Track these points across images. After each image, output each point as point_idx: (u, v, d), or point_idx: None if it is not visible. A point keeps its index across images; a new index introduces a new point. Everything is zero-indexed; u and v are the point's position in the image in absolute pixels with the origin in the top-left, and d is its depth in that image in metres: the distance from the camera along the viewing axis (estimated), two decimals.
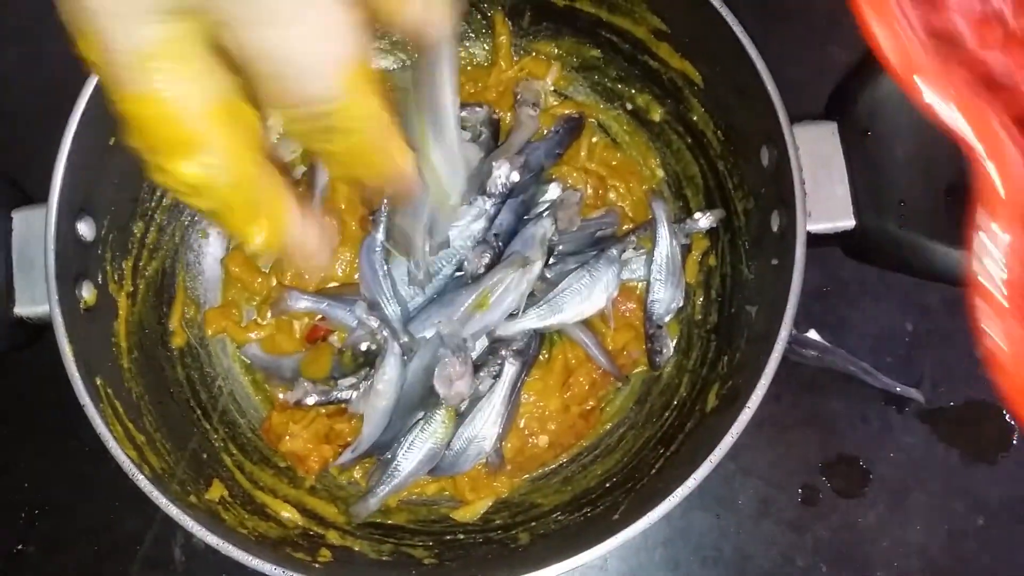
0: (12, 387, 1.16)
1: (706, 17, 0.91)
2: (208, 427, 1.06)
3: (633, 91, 1.13)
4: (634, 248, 1.08)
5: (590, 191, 1.11)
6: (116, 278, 1.00)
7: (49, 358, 0.88)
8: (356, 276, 1.08)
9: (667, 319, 1.07)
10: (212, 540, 0.85)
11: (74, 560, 1.13)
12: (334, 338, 1.09)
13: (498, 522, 1.04)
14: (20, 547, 1.13)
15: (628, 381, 1.11)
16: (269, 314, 1.10)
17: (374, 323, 1.02)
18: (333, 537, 1.00)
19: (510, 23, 1.14)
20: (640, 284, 1.10)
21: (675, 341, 1.09)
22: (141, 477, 0.86)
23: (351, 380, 1.05)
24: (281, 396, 1.09)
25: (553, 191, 1.08)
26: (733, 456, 0.90)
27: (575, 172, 1.12)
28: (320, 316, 1.08)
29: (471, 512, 1.05)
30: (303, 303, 1.07)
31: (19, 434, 1.16)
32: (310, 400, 1.04)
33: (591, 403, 1.08)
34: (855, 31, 1.18)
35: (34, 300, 0.92)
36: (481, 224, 1.05)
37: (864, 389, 1.12)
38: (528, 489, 1.08)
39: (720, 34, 0.90)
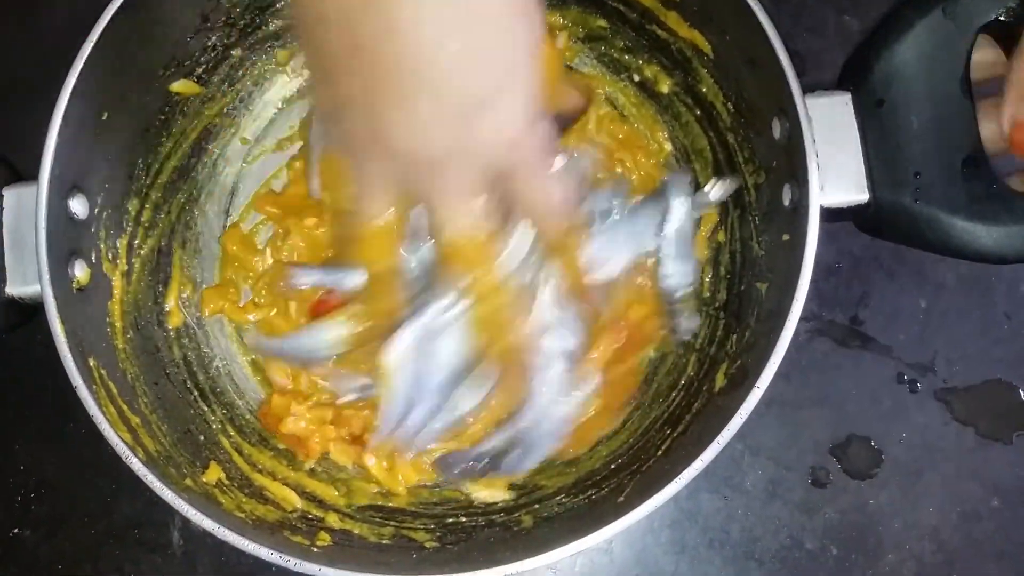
0: (7, 368, 1.15)
1: None
2: (205, 408, 1.05)
3: (641, 62, 1.11)
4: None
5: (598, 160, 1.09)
6: (110, 257, 0.98)
7: (45, 339, 0.87)
8: None
9: (680, 293, 1.05)
10: (208, 524, 0.83)
11: (71, 544, 1.12)
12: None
13: (500, 505, 1.03)
14: (16, 531, 1.12)
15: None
16: (263, 293, 1.08)
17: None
18: (333, 520, 0.98)
19: None
20: (650, 260, 1.07)
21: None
22: (135, 460, 0.85)
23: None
24: (279, 380, 1.07)
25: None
26: (742, 436, 0.89)
27: (582, 144, 1.10)
28: (328, 290, 1.06)
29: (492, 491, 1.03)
30: (309, 278, 1.04)
31: (15, 416, 1.15)
32: (351, 397, 1.01)
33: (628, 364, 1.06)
34: None
35: (25, 280, 0.90)
36: None
37: (877, 368, 1.10)
38: (532, 471, 1.05)
39: (730, 1, 0.88)
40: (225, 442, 1.02)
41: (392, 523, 1.00)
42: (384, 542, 0.96)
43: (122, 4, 0.90)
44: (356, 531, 0.97)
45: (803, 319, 1.07)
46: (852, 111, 0.87)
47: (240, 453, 1.02)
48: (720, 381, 0.95)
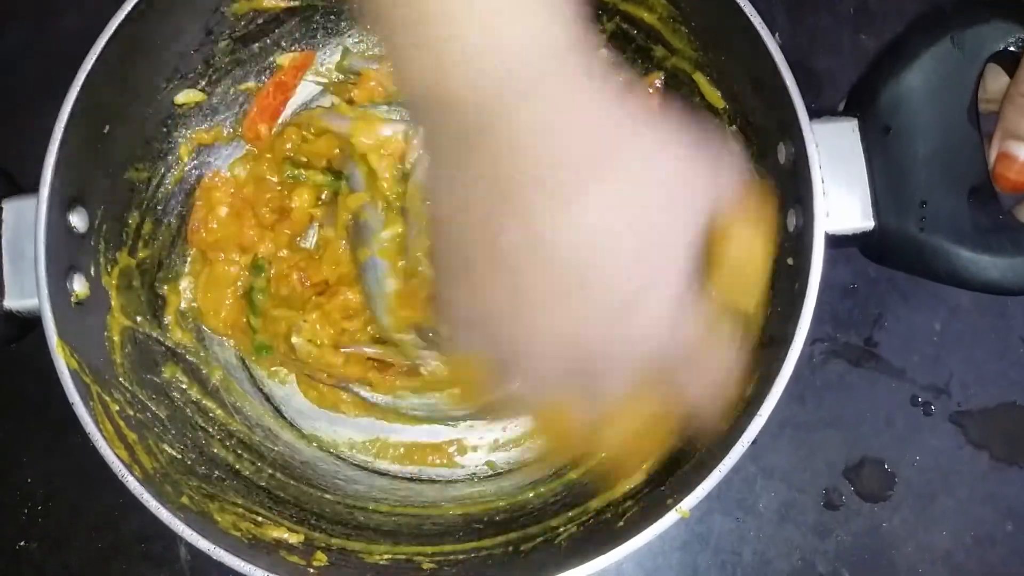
0: (15, 381, 1.15)
1: (723, 5, 0.87)
2: (203, 424, 1.04)
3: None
4: None
5: None
6: (109, 270, 0.98)
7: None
8: None
9: None
10: (203, 544, 0.83)
11: (78, 557, 1.11)
12: None
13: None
14: (23, 543, 1.12)
15: None
16: None
17: None
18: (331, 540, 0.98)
19: None
20: None
21: None
22: (131, 478, 0.84)
23: None
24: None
25: None
26: (754, 458, 0.87)
27: None
28: None
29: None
30: None
31: (22, 429, 1.14)
32: None
33: None
34: (886, 18, 1.15)
35: (23, 293, 0.90)
36: None
37: (891, 390, 1.09)
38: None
39: (736, 23, 0.87)
40: (222, 458, 1.02)
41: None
42: (381, 563, 0.95)
43: (125, 17, 0.90)
44: (353, 550, 0.97)
45: (818, 340, 1.07)
46: (858, 137, 0.86)
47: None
48: None
